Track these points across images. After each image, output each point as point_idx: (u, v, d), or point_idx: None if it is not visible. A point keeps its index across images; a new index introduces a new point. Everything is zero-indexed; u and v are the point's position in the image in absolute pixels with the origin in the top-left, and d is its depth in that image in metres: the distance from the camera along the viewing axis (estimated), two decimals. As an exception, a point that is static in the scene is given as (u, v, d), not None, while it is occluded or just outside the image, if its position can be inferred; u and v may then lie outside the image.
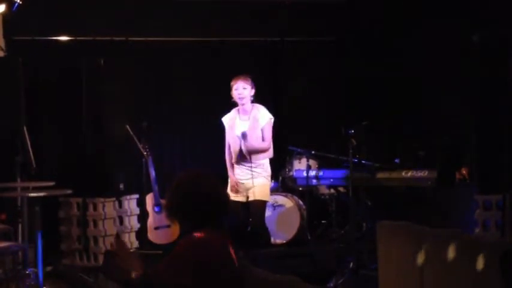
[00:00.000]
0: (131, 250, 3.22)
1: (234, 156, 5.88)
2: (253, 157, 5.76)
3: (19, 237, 6.04)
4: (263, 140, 5.80)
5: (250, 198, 5.82)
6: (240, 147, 5.81)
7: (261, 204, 5.86)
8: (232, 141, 5.88)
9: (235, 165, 5.89)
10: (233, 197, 5.79)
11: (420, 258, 4.06)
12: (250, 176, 5.76)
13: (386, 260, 4.44)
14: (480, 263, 3.66)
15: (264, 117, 5.81)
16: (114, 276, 3.13)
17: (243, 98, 5.80)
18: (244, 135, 5.76)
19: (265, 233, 6.01)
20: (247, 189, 5.82)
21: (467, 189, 6.70)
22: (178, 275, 2.84)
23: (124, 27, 7.47)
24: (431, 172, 6.39)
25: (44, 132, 7.20)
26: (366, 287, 5.70)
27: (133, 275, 2.93)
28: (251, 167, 5.74)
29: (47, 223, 6.15)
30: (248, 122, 5.82)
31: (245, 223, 6.05)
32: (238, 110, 5.91)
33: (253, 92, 5.84)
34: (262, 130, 5.80)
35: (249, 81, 5.83)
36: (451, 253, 3.77)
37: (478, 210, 6.64)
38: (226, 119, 5.96)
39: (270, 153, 5.88)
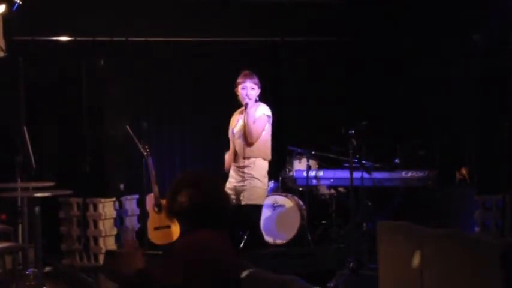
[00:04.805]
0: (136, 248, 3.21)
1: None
2: (245, 154, 5.57)
3: (19, 238, 6.04)
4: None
5: (243, 202, 5.62)
6: (234, 144, 5.71)
7: (254, 209, 5.69)
8: (230, 139, 5.81)
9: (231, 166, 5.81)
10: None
11: (420, 259, 4.06)
12: (241, 179, 5.62)
13: (386, 260, 4.44)
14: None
15: (258, 113, 5.60)
16: (114, 276, 3.12)
17: (250, 99, 5.59)
18: None
19: (258, 237, 5.88)
20: (239, 193, 5.64)
21: (467, 189, 6.69)
22: (170, 273, 2.85)
23: (124, 27, 7.47)
24: (431, 172, 6.39)
25: (44, 132, 7.19)
26: (365, 287, 5.69)
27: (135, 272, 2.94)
28: (242, 166, 5.62)
29: (47, 223, 6.15)
30: (244, 118, 5.61)
31: (238, 226, 5.94)
32: (241, 111, 5.74)
33: (259, 92, 5.65)
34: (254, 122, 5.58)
35: (257, 81, 5.61)
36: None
37: (478, 211, 6.64)
38: (231, 120, 5.82)
39: (264, 152, 5.67)
